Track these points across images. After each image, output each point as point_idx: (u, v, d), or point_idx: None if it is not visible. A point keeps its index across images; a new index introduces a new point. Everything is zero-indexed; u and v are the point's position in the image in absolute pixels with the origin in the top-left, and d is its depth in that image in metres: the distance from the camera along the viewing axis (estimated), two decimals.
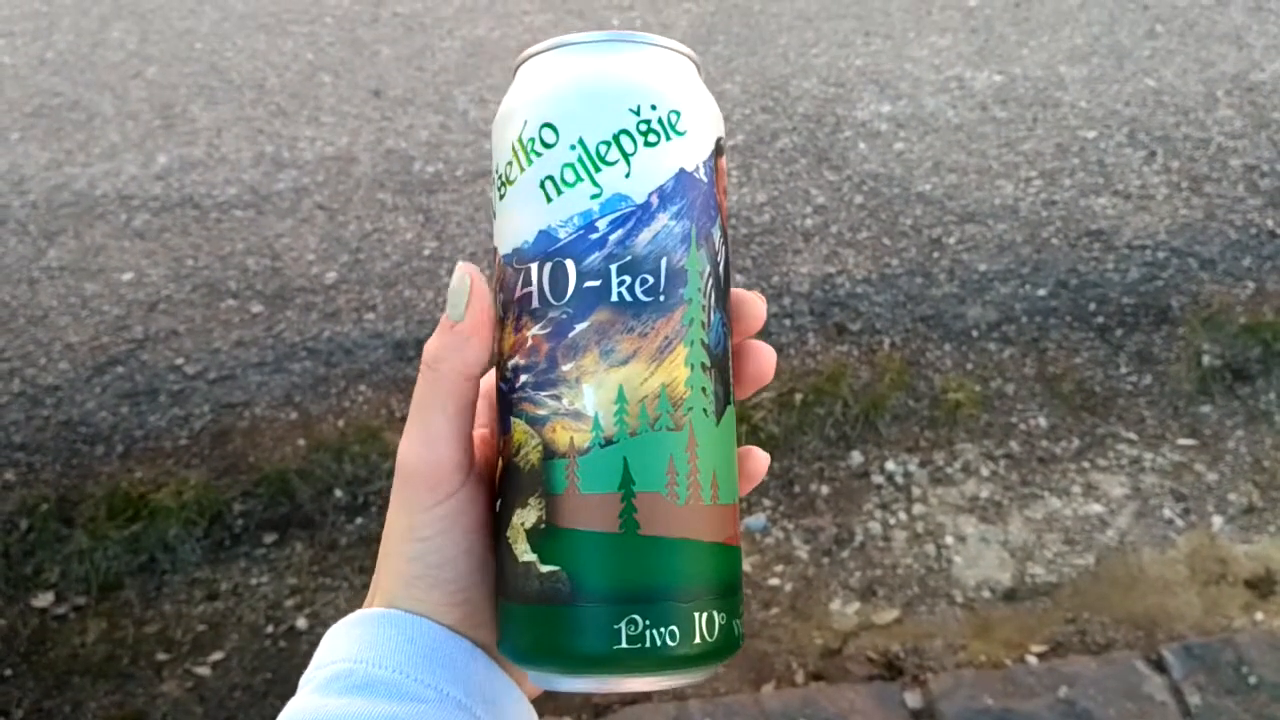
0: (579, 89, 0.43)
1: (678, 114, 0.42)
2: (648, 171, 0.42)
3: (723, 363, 0.43)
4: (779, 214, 2.66)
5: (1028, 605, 1.80)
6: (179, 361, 2.33)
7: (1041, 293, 2.41)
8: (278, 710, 0.40)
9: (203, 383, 2.28)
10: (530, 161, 0.43)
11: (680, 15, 3.56)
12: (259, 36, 3.56)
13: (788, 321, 2.33)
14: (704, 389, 0.41)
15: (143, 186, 2.86)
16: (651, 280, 0.41)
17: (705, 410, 0.41)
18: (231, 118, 3.14)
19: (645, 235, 0.42)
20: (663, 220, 0.42)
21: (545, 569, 0.41)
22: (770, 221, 2.64)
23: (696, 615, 0.40)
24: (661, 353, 0.41)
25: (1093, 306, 2.37)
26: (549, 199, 0.43)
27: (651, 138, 0.42)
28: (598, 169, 0.42)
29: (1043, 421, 2.13)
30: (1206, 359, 2.22)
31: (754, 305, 0.46)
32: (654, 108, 0.42)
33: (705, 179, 0.43)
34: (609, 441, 0.41)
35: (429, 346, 0.43)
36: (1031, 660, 1.69)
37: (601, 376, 0.41)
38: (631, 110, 0.42)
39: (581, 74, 0.43)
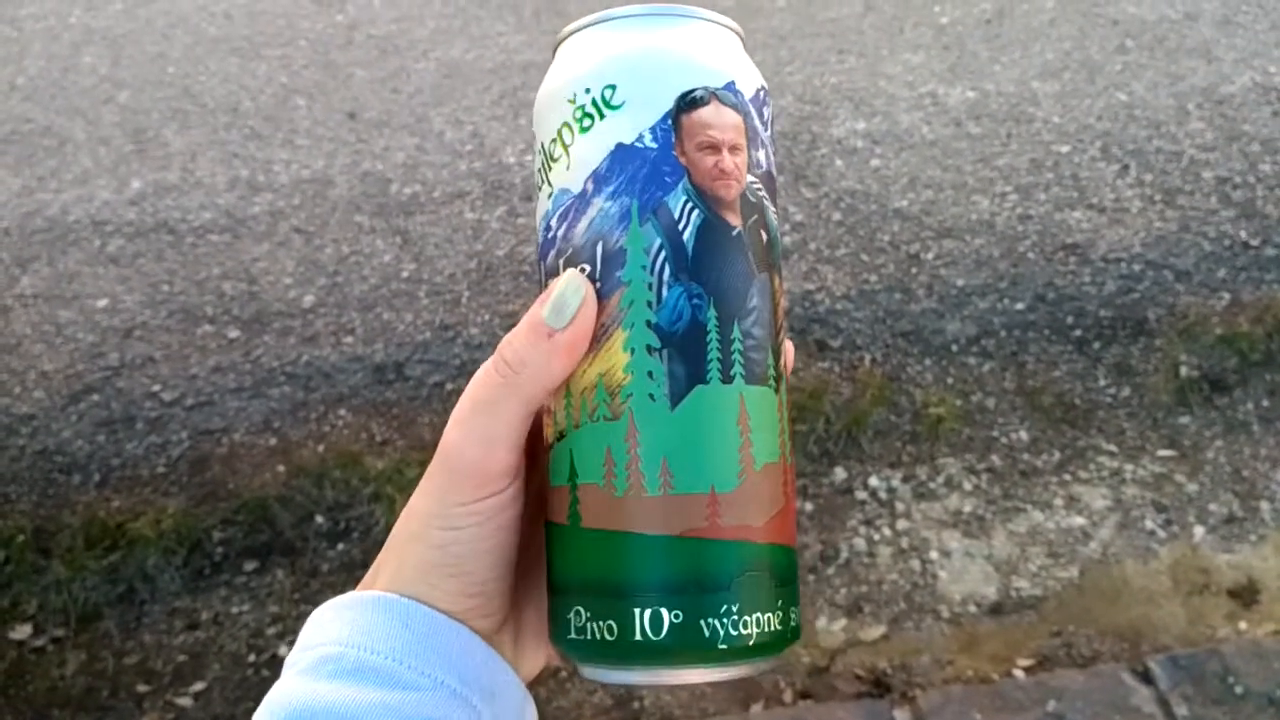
0: (538, 101, 0.45)
1: (612, 88, 0.41)
2: (584, 158, 0.41)
3: (687, 339, 0.40)
4: None
5: (1013, 619, 1.80)
6: (156, 388, 2.31)
7: (1019, 307, 2.42)
8: None
9: (180, 409, 2.26)
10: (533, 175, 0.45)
11: None
12: (232, 60, 3.55)
13: None
14: (650, 373, 0.39)
15: (116, 212, 2.84)
16: (589, 269, 0.41)
17: (652, 395, 0.39)
18: (205, 142, 3.13)
19: (582, 224, 0.41)
20: (598, 204, 0.41)
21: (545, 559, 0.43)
22: None
23: (636, 611, 0.39)
24: (598, 342, 0.40)
25: (1070, 320, 2.38)
26: (535, 206, 0.44)
27: (586, 122, 0.42)
28: (550, 168, 0.43)
29: (1024, 435, 2.14)
30: (1184, 370, 2.23)
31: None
32: (587, 90, 0.42)
33: (655, 144, 0.40)
34: (561, 436, 0.41)
35: (515, 346, 0.40)
36: (1019, 674, 1.69)
37: None
38: (568, 100, 0.42)
39: (542, 87, 0.45)
